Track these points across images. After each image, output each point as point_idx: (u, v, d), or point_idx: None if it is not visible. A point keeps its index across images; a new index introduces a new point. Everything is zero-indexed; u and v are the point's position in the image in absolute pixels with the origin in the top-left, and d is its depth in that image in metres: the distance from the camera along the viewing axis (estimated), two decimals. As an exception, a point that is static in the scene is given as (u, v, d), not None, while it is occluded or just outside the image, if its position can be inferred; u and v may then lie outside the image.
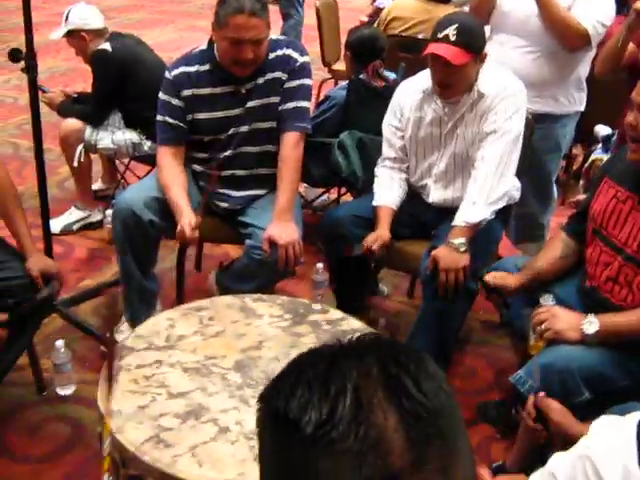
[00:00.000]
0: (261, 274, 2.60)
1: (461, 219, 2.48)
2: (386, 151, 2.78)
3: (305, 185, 3.83)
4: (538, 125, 2.86)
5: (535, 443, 1.94)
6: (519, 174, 2.66)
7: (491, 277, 2.31)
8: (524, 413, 1.89)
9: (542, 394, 1.83)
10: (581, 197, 3.91)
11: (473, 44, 2.39)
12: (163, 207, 2.59)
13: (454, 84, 2.46)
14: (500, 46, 2.91)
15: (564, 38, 2.82)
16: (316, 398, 0.59)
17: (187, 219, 2.49)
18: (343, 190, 3.87)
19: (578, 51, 2.88)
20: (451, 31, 2.35)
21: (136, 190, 2.74)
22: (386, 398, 0.58)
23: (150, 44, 3.85)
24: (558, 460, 1.32)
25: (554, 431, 1.78)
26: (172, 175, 2.64)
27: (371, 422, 0.56)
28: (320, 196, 4.08)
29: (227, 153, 2.70)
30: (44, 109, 2.69)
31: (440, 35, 2.38)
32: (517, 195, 2.75)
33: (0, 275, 2.25)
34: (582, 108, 3.09)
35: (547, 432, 1.82)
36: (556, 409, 1.79)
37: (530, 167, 2.90)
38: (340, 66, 4.77)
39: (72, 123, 3.64)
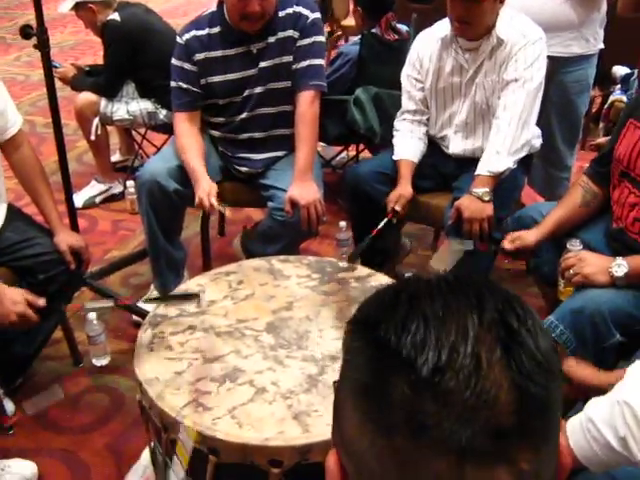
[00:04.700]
0: (285, 235, 2.61)
1: (485, 168, 2.46)
2: (405, 104, 2.76)
3: (322, 144, 3.82)
4: (572, 68, 2.88)
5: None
6: (548, 118, 2.63)
7: (509, 243, 2.26)
8: None
9: None
10: (602, 140, 3.86)
11: None
12: (186, 175, 2.60)
13: (473, 21, 2.41)
14: None
15: None
16: (433, 338, 0.54)
17: (205, 189, 2.48)
18: (361, 147, 3.85)
19: None
20: None
21: (159, 160, 2.75)
22: (504, 355, 0.53)
23: (157, 11, 3.83)
24: (595, 405, 1.33)
25: (578, 387, 1.77)
26: (189, 140, 2.65)
27: (488, 378, 0.52)
28: (338, 154, 4.07)
29: (243, 116, 2.70)
30: (57, 84, 2.68)
31: None
32: (538, 144, 2.73)
33: (29, 252, 2.28)
34: (602, 45, 3.05)
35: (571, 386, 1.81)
36: (574, 369, 1.77)
37: (562, 110, 2.89)
38: (350, 22, 4.71)
39: (86, 97, 3.65)
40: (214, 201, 2.45)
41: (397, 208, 2.56)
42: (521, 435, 0.53)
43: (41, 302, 2.08)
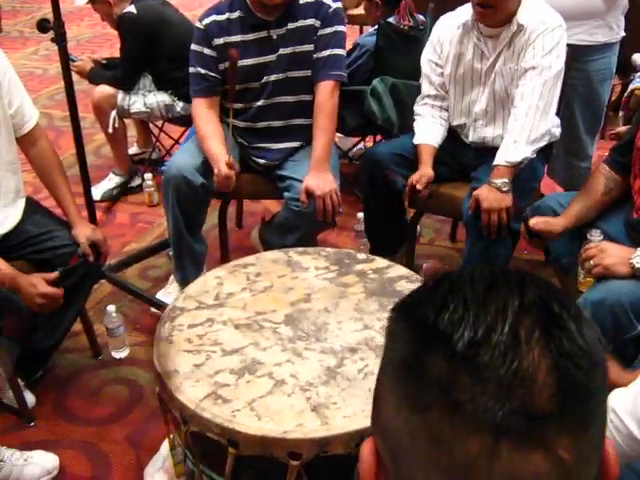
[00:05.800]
0: (301, 226, 2.61)
1: (502, 158, 2.43)
2: (426, 88, 2.74)
3: (340, 135, 3.80)
4: (596, 56, 2.87)
5: None
6: (571, 108, 2.60)
7: (536, 222, 2.26)
8: None
9: None
10: (622, 128, 3.82)
11: None
12: (212, 169, 2.59)
13: (496, 4, 2.39)
14: None
15: None
16: (472, 316, 0.53)
17: (223, 161, 2.50)
18: (378, 138, 3.84)
19: None
20: None
21: (185, 155, 2.72)
22: (544, 336, 0.52)
23: (173, 3, 3.83)
24: (618, 396, 1.31)
25: None
26: (208, 126, 2.65)
27: (526, 357, 0.51)
28: (356, 145, 4.05)
29: (260, 103, 2.69)
30: (74, 77, 2.69)
31: None
32: (558, 133, 2.70)
33: (48, 244, 2.29)
34: (624, 32, 3.02)
35: None
36: None
37: (585, 99, 2.87)
38: (359, 11, 4.66)
39: (104, 90, 3.65)
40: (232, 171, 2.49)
41: (419, 186, 2.54)
42: (559, 420, 0.51)
43: (54, 275, 2.16)
